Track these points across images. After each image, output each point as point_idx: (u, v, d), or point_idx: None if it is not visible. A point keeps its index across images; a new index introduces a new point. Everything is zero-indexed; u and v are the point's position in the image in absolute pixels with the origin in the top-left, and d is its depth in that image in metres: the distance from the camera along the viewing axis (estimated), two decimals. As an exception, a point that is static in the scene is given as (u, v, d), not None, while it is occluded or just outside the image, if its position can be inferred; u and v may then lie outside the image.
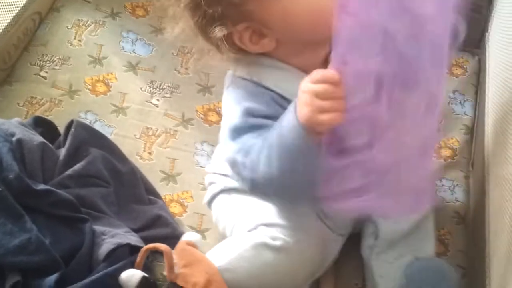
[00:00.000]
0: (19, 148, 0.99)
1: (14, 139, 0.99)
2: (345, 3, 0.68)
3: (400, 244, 0.95)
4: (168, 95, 1.25)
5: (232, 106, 0.90)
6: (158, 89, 1.25)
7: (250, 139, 0.85)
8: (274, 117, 0.83)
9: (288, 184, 0.82)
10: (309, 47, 0.88)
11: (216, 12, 0.83)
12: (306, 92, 0.74)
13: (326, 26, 0.72)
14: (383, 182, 0.75)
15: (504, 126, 0.90)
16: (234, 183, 0.96)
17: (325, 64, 0.80)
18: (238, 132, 0.87)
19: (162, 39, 1.32)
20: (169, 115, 1.22)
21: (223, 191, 0.99)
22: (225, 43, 0.86)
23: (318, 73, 0.74)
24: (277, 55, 0.89)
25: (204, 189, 1.08)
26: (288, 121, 0.78)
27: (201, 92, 1.26)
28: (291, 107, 0.78)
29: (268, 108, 0.87)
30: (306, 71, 0.81)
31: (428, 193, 0.80)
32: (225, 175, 0.99)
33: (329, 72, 0.72)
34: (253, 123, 0.86)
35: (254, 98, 0.88)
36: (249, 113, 0.86)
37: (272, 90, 0.89)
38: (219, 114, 1.22)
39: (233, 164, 0.89)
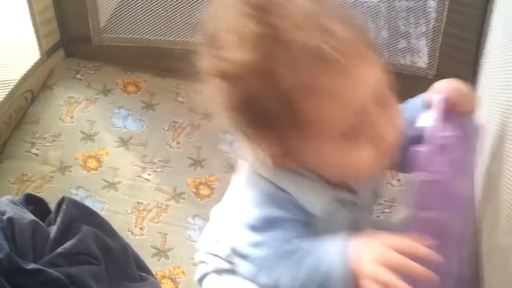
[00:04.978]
0: (9, 227, 0.98)
1: (4, 217, 0.98)
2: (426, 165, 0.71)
3: None
4: (159, 170, 1.25)
5: (250, 207, 0.81)
6: (149, 164, 1.26)
7: (270, 241, 0.78)
8: (294, 220, 0.78)
9: None
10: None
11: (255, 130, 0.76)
12: (380, 254, 0.67)
13: (357, 175, 0.74)
14: None
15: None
16: (226, 265, 0.94)
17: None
18: (254, 229, 0.80)
19: (153, 115, 1.34)
20: (160, 189, 1.22)
21: (214, 271, 0.97)
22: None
23: (405, 242, 0.67)
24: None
25: (196, 264, 1.06)
26: (332, 257, 0.71)
27: (192, 166, 1.26)
28: (338, 240, 0.72)
29: (288, 213, 0.79)
30: (336, 183, 0.78)
31: None
32: (216, 255, 0.96)
33: (421, 249, 0.66)
34: (272, 224, 0.79)
35: (275, 204, 0.80)
36: (269, 220, 0.79)
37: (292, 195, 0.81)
38: (210, 187, 1.23)
39: (241, 254, 0.82)
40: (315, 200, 0.79)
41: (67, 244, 1.02)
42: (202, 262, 0.99)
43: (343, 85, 0.68)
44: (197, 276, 1.00)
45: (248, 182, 0.84)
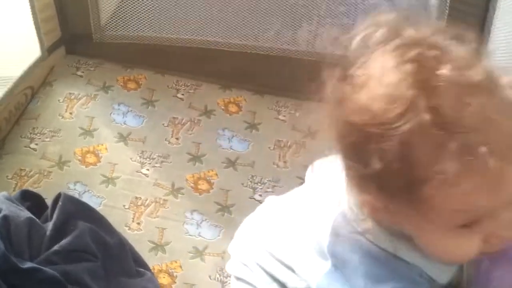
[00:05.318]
0: (5, 224, 0.97)
1: (0, 215, 0.98)
2: None
3: None
4: (158, 165, 1.24)
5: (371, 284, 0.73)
6: (148, 159, 1.25)
7: None
8: None
9: None
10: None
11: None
12: None
13: (455, 261, 0.71)
14: None
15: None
16: None
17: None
18: None
19: (153, 111, 1.33)
20: (159, 184, 1.21)
21: None
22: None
23: None
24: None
25: (194, 257, 1.06)
26: None
27: (191, 162, 1.25)
28: None
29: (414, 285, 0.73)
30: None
31: None
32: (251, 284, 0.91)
33: None
34: None
35: (399, 277, 0.73)
36: None
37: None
38: (209, 182, 1.22)
39: None
40: (446, 270, 0.75)
41: (63, 242, 1.02)
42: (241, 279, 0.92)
43: (481, 188, 0.62)
44: None
45: (355, 246, 0.74)
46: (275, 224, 0.90)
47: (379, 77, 0.64)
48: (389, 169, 0.63)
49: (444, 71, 0.61)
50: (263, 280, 0.88)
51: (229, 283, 1.07)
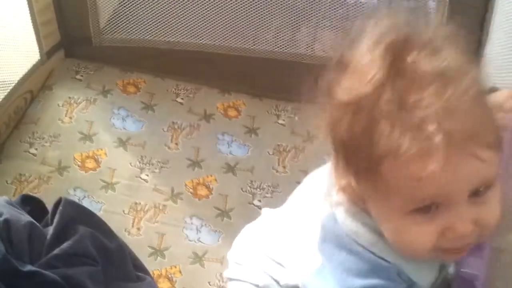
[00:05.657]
0: (6, 228, 0.98)
1: (1, 219, 0.98)
2: None
3: None
4: (157, 170, 1.25)
5: (350, 277, 0.76)
6: (147, 165, 1.25)
7: None
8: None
9: None
10: None
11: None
12: None
13: (410, 252, 0.71)
14: None
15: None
16: None
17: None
18: None
19: (152, 115, 1.33)
20: (158, 190, 1.22)
21: None
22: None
23: None
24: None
25: (193, 262, 1.07)
26: None
27: (190, 167, 1.26)
28: None
29: (392, 283, 0.76)
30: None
31: None
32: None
33: None
34: None
35: (377, 275, 0.76)
36: None
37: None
38: (208, 188, 1.22)
39: None
40: (426, 273, 0.76)
41: (64, 246, 1.02)
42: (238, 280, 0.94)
43: (433, 172, 0.62)
44: None
45: (341, 243, 0.77)
46: (272, 228, 0.92)
47: (358, 60, 0.69)
48: (354, 141, 0.68)
49: (412, 56, 0.66)
50: (256, 275, 0.90)
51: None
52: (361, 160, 0.68)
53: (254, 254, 0.92)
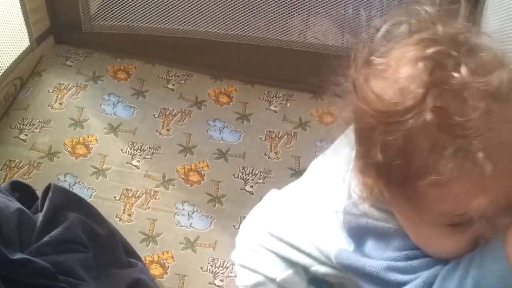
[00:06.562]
0: (-5, 216, 0.97)
1: (-11, 207, 0.97)
2: None
3: None
4: (149, 156, 1.24)
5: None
6: (139, 151, 1.25)
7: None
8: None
9: None
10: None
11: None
12: None
13: (436, 255, 0.70)
14: None
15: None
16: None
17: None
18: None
19: (143, 102, 1.32)
20: (149, 176, 1.21)
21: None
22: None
23: None
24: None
25: (185, 248, 1.06)
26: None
27: (182, 153, 1.25)
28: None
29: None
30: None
31: None
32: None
33: None
34: None
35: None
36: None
37: None
38: (200, 174, 1.21)
39: None
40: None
41: (54, 232, 1.01)
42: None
43: (473, 192, 0.61)
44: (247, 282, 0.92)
45: (363, 227, 0.76)
46: (285, 211, 0.90)
47: (395, 69, 0.65)
48: (389, 162, 0.64)
49: (459, 73, 0.61)
50: (274, 268, 0.88)
51: (222, 273, 1.08)
52: (395, 174, 0.65)
53: (269, 239, 0.89)
